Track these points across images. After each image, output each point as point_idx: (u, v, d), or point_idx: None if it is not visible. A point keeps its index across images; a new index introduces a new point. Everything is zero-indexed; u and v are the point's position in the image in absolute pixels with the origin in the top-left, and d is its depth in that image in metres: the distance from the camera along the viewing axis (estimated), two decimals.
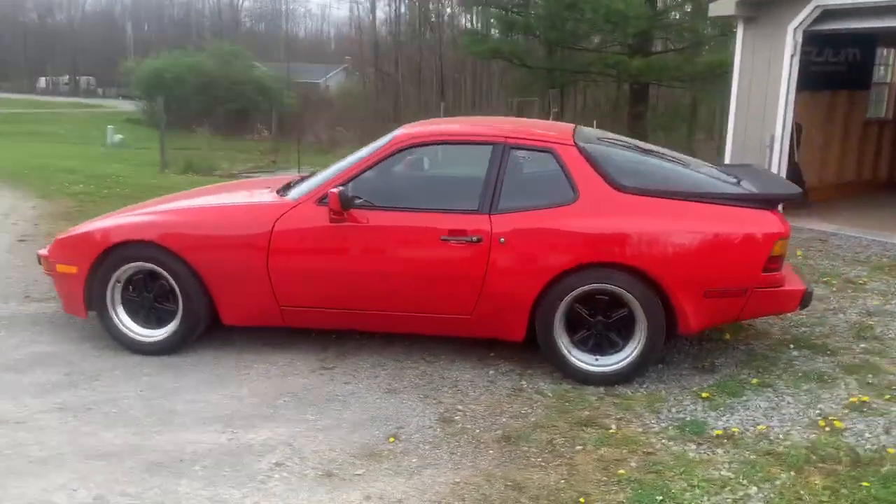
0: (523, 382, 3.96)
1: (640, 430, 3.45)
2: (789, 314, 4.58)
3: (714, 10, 8.42)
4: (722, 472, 3.07)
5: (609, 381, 3.90)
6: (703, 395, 3.78)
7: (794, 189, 4.01)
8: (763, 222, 3.77)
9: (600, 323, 3.89)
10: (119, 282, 4.26)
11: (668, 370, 4.11)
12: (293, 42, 67.50)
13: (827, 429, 3.42)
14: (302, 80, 52.46)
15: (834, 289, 5.61)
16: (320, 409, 3.67)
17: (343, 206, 3.87)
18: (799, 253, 6.61)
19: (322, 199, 4.02)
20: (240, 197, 4.68)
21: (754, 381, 3.94)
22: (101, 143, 23.38)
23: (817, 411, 3.61)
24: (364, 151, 4.23)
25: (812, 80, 8.41)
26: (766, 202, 3.84)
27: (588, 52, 19.55)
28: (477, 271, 3.87)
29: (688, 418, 3.55)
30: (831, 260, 6.53)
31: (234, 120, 33.94)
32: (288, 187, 4.43)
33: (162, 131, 15.41)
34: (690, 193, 3.82)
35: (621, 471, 3.08)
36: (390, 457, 3.22)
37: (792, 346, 4.44)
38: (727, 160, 8.49)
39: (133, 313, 4.30)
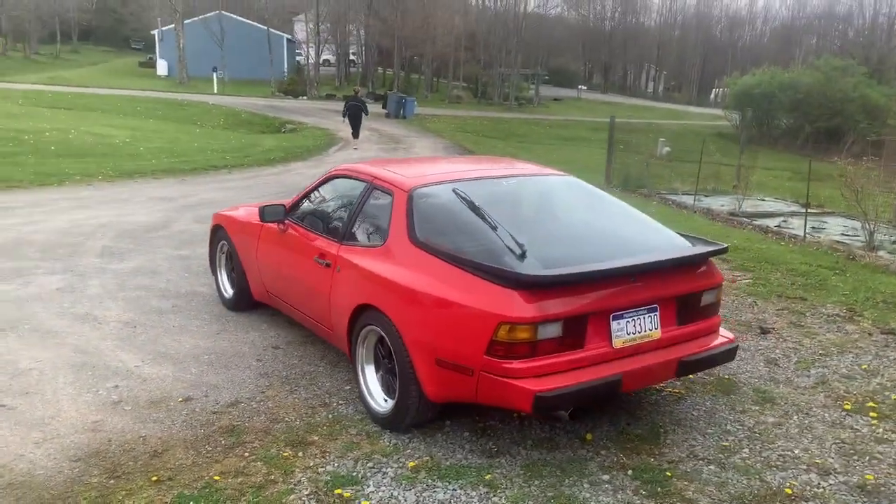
0: (342, 403, 4.29)
1: (311, 464, 3.60)
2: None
3: None
4: None
5: (383, 423, 3.95)
6: (411, 464, 3.57)
7: (548, 273, 3.27)
8: (492, 301, 3.29)
9: (384, 366, 3.97)
10: (222, 252, 6.01)
11: (466, 436, 3.85)
12: None
13: None
14: None
15: None
16: (200, 368, 4.74)
17: (260, 218, 4.82)
18: None
19: None
20: None
21: (488, 476, 3.46)
22: (651, 153, 25.16)
23: None
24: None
25: None
26: (511, 280, 3.31)
27: None
28: (327, 292, 4.37)
29: (359, 475, 3.50)
30: None
31: (824, 139, 31.82)
32: None
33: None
34: (457, 258, 3.54)
35: (231, 481, 3.47)
36: (159, 408, 4.20)
37: (630, 464, 3.51)
38: None
39: (228, 278, 6.00)
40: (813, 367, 4.92)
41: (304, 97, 42.49)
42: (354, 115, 21.00)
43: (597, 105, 54.43)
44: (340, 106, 24.45)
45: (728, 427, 4.01)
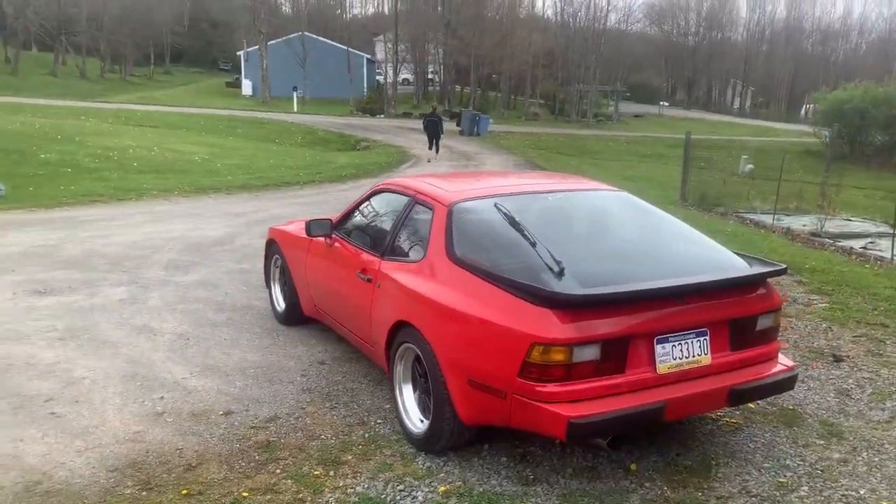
0: (380, 422, 4.19)
1: (340, 484, 3.52)
2: None
3: None
4: None
5: (418, 445, 3.83)
6: (442, 489, 3.44)
7: (574, 292, 3.10)
8: (526, 321, 3.14)
9: (421, 385, 3.86)
10: (276, 266, 6.03)
11: (503, 461, 3.69)
12: None
13: None
14: None
15: None
16: (245, 382, 4.74)
17: (307, 232, 4.80)
18: None
19: None
20: None
21: None
22: (733, 171, 24.27)
23: None
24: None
25: None
26: (546, 299, 3.15)
27: None
28: (369, 308, 4.30)
29: (388, 498, 3.39)
30: None
31: None
32: None
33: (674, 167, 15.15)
34: (493, 275, 3.41)
35: (259, 498, 3.43)
36: (199, 421, 4.21)
37: (675, 498, 3.28)
38: None
39: (281, 292, 6.01)
40: (889, 399, 4.54)
41: (382, 115, 43.09)
42: (431, 130, 22.07)
43: (678, 121, 53.08)
44: (415, 124, 25.27)
45: (787, 462, 3.72)
